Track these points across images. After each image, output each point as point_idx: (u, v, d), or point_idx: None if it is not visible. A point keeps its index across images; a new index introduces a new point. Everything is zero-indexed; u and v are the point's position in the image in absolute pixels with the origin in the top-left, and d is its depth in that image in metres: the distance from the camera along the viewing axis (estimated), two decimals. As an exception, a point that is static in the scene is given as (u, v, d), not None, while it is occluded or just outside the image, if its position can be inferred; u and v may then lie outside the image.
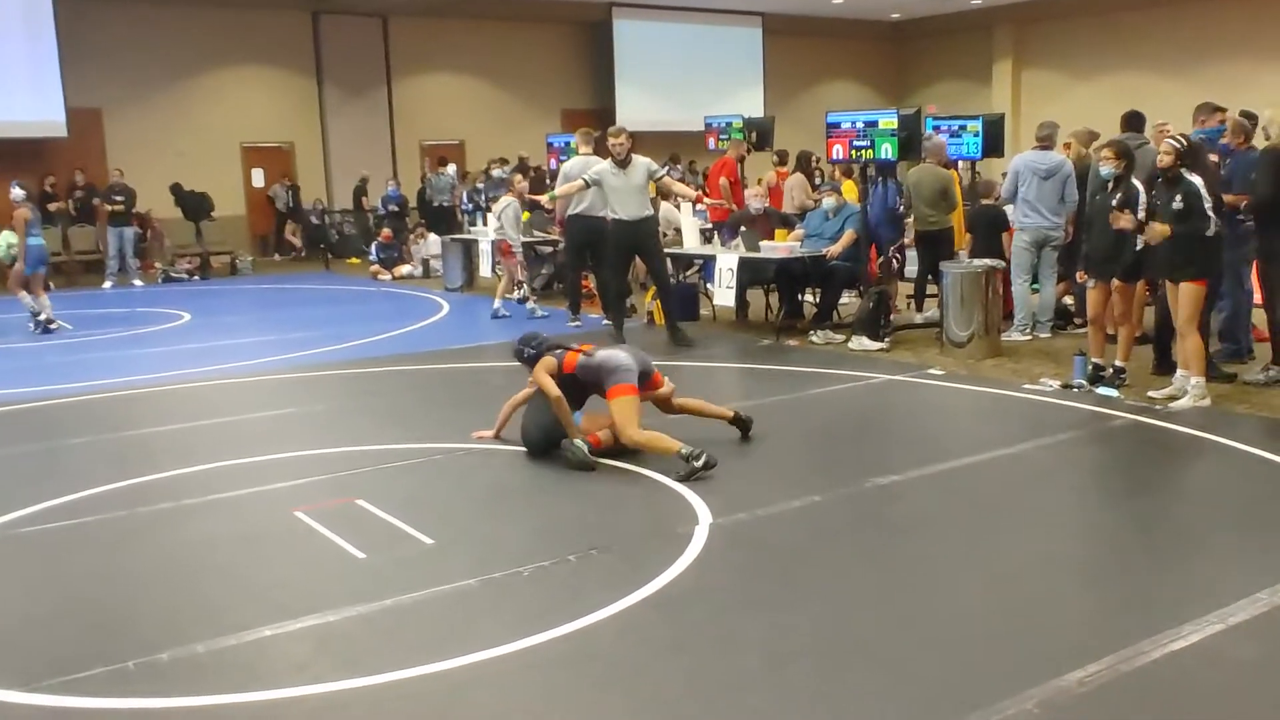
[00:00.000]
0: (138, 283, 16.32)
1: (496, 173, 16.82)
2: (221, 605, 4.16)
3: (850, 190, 10.76)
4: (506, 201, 12.05)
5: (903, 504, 5.24)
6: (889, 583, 4.27)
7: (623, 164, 9.47)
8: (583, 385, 6.11)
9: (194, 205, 18.05)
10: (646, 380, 6.17)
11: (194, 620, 4.01)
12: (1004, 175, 10.56)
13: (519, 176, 13.48)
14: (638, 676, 3.51)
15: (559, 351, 6.17)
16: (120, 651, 3.70)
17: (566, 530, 4.94)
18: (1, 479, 5.97)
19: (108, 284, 16.18)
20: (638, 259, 10.96)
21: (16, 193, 11.41)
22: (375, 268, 16.49)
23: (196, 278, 17.16)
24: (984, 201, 10.08)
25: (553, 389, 5.91)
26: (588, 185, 9.69)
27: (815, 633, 3.79)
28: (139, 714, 3.31)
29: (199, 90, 19.35)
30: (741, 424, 6.46)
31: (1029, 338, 9.31)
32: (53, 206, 17.15)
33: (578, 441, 5.85)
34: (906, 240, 10.45)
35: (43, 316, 11.38)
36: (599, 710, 3.32)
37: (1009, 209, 9.67)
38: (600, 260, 10.97)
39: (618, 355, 6.09)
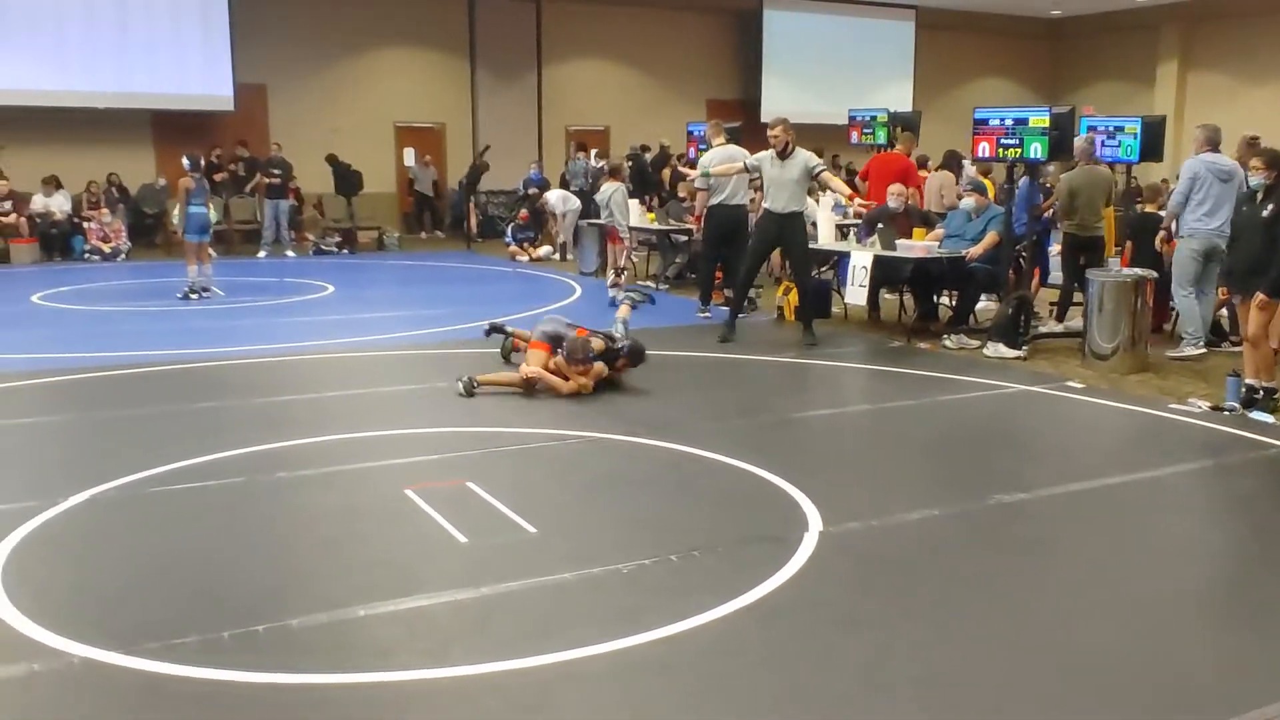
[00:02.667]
0: (290, 253, 16.93)
1: (578, 162, 16.95)
2: (321, 580, 4.22)
3: (990, 190, 10.35)
4: (613, 187, 12.00)
5: (1027, 524, 4.98)
6: (1002, 608, 4.04)
7: (782, 155, 9.36)
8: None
9: (347, 180, 18.58)
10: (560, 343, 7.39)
11: (292, 593, 4.07)
12: (1164, 180, 9.98)
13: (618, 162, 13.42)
14: (728, 691, 3.40)
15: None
16: (218, 620, 3.77)
17: (672, 527, 4.85)
18: (136, 438, 6.20)
19: (262, 253, 16.81)
20: (775, 254, 10.78)
21: (186, 163, 11.92)
22: (513, 249, 16.70)
23: (345, 251, 17.68)
24: (1147, 207, 9.55)
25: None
26: (748, 169, 9.70)
27: (918, 658, 3.61)
28: (226, 687, 3.35)
29: (357, 69, 19.91)
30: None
31: (1203, 351, 8.72)
32: (217, 177, 17.88)
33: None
34: (1054, 247, 10.00)
35: (194, 283, 11.85)
36: (695, 715, 3.22)
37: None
38: (736, 252, 10.85)
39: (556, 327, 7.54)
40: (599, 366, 7.32)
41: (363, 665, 3.51)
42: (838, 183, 10.06)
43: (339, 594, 4.03)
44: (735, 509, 5.16)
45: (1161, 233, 9.13)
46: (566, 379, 7.26)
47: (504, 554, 4.47)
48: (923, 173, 12.78)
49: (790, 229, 9.48)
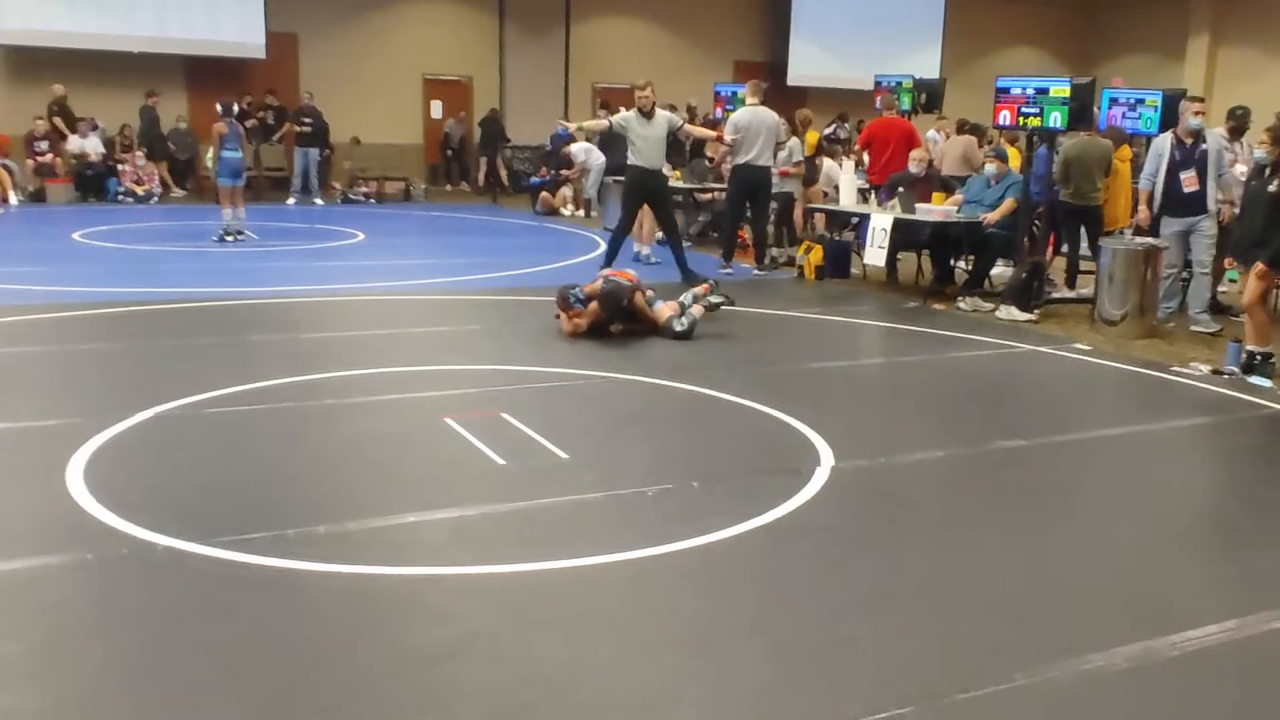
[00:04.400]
0: (319, 201, 17.27)
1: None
2: (374, 492, 4.59)
3: (1015, 158, 10.60)
4: None
5: (1026, 467, 5.32)
6: (1000, 536, 4.39)
7: (648, 114, 9.94)
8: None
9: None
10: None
11: (348, 501, 4.45)
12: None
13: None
14: (744, 593, 3.76)
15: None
16: (282, 521, 4.16)
17: (693, 458, 5.21)
18: (189, 366, 6.58)
19: (291, 200, 17.15)
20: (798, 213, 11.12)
21: (219, 109, 12.23)
22: (545, 196, 16.94)
23: (372, 201, 18.00)
24: None
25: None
26: (613, 126, 10.17)
27: (921, 578, 3.96)
28: (296, 574, 3.74)
29: (387, 20, 20.12)
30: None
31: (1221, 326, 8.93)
32: (247, 124, 18.14)
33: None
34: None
35: (229, 226, 12.19)
36: (704, 617, 3.58)
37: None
38: (759, 210, 11.18)
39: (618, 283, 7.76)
40: (591, 309, 7.68)
41: (417, 561, 3.89)
42: (700, 130, 11.09)
43: (393, 504, 4.40)
44: (752, 444, 5.52)
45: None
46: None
47: (539, 475, 4.83)
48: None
49: (659, 183, 10.25)
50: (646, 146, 9.98)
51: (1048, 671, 3.24)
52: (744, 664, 3.25)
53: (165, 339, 7.34)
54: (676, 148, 17.82)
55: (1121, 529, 4.55)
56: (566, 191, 17.20)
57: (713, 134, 11.30)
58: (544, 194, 17.05)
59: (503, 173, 19.61)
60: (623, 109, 19.55)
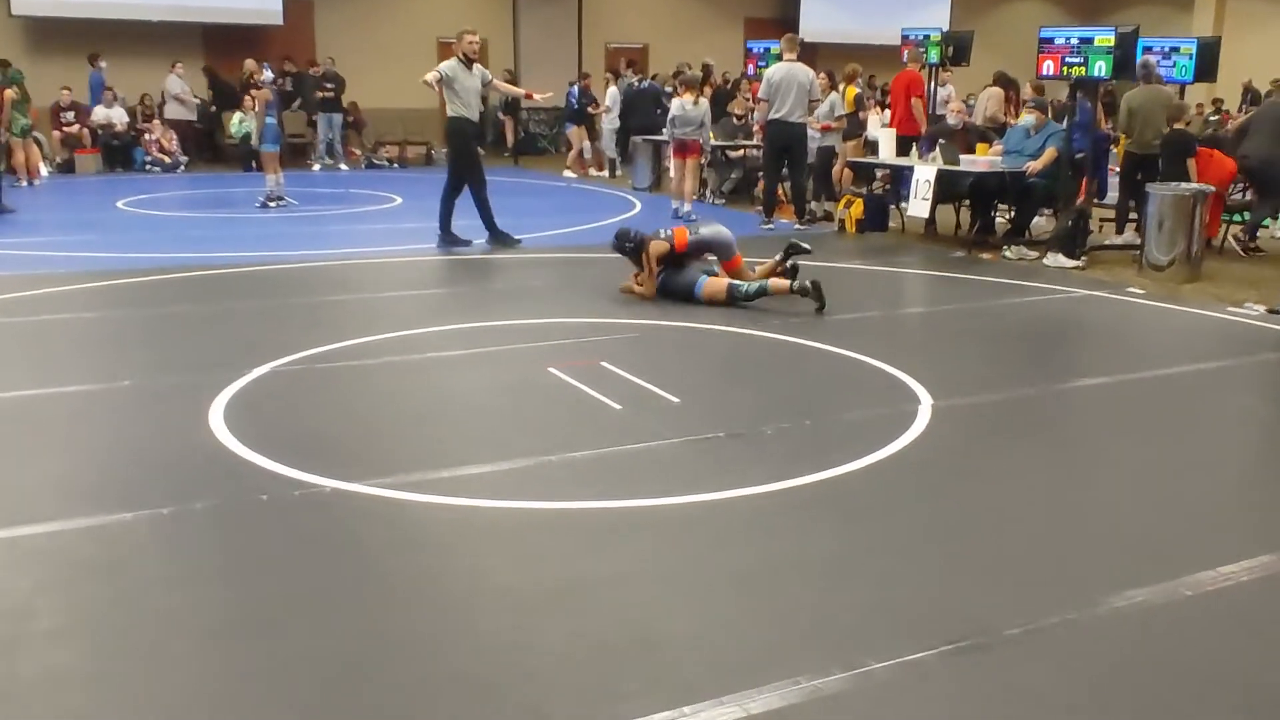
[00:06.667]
0: (343, 167, 17.36)
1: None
2: (510, 437, 4.80)
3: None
4: (697, 101, 12.24)
5: (1114, 402, 5.54)
6: (1107, 465, 4.62)
7: (469, 65, 9.89)
8: (688, 258, 7.65)
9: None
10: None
11: (489, 446, 4.66)
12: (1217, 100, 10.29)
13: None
14: (888, 517, 3.99)
15: (666, 233, 7.70)
16: (429, 463, 4.39)
17: (800, 400, 5.43)
18: (286, 325, 6.78)
19: (316, 166, 17.24)
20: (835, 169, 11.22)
21: (267, 75, 12.32)
22: (572, 160, 17.05)
23: (395, 166, 18.08)
24: (1176, 126, 9.94)
25: (659, 251, 7.57)
26: (443, 76, 9.78)
27: (1040, 499, 4.19)
28: (455, 510, 3.98)
29: (402, -17, 20.13)
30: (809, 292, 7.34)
31: None
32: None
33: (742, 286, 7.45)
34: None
35: (271, 192, 12.31)
36: (857, 538, 3.80)
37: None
38: (796, 164, 11.33)
39: (725, 231, 7.88)
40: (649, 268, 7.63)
41: (568, 497, 4.10)
42: (506, 86, 11.32)
43: (532, 446, 4.60)
44: (850, 386, 5.74)
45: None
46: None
47: (658, 417, 5.04)
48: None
49: (476, 137, 10.22)
50: (469, 96, 9.90)
51: (1137, 595, 3.46)
52: (877, 581, 3.48)
53: (243, 300, 7.52)
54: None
55: (1222, 455, 4.78)
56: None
57: (521, 90, 11.52)
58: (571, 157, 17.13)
59: (509, 136, 19.70)
60: (629, 70, 19.70)
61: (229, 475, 4.23)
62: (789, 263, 7.92)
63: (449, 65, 9.88)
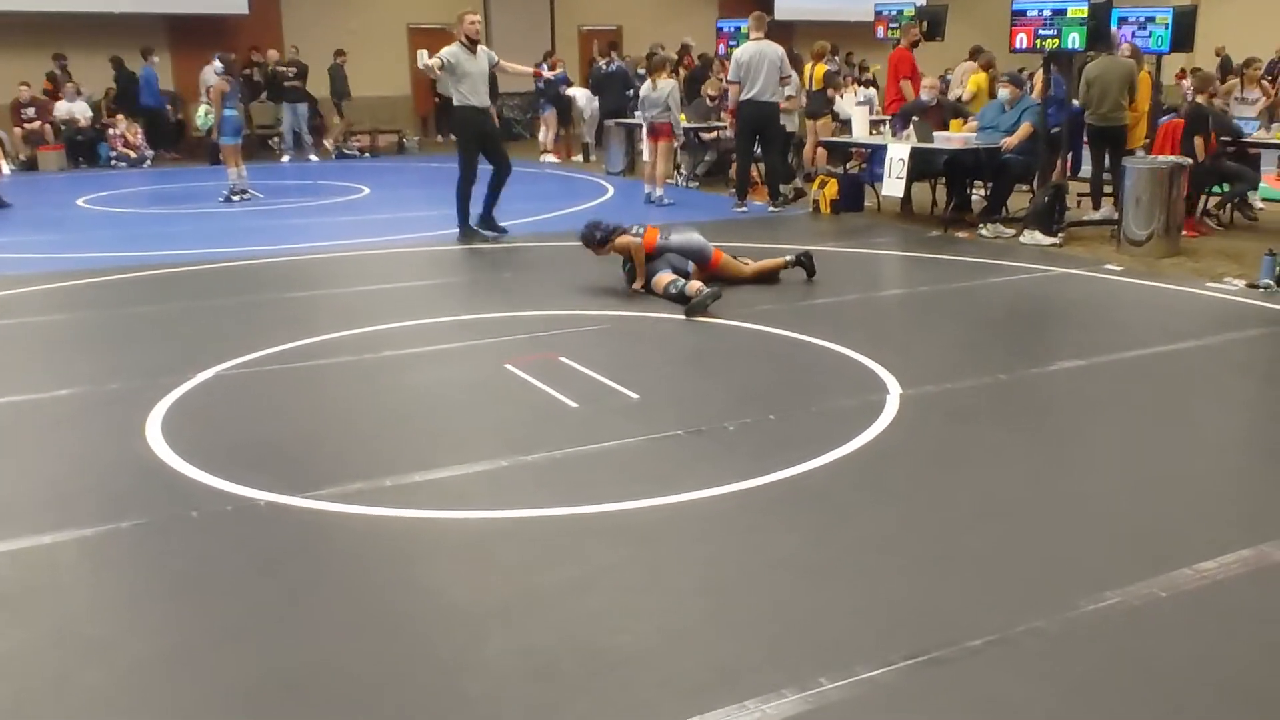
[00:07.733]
0: (313, 157, 17.07)
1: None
2: (461, 439, 4.62)
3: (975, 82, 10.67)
4: (670, 84, 12.05)
5: (1090, 385, 5.36)
6: (1088, 449, 4.45)
7: (472, 48, 9.30)
8: (656, 259, 7.28)
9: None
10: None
11: (440, 450, 4.46)
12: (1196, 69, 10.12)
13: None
14: (856, 516, 3.81)
15: (639, 230, 7.38)
16: (378, 470, 4.19)
17: (764, 392, 5.24)
18: (236, 325, 6.56)
19: (285, 158, 16.95)
20: (808, 149, 10.99)
21: (217, 65, 12.01)
22: (550, 144, 16.80)
23: (366, 155, 17.80)
24: (1198, 99, 9.72)
25: (636, 246, 7.22)
26: (444, 63, 9.23)
27: (1011, 493, 4.01)
28: (386, 522, 3.79)
29: (369, -30, 19.79)
30: (804, 265, 7.63)
31: None
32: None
33: (699, 288, 6.85)
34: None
35: (235, 186, 12.05)
36: (822, 541, 3.62)
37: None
38: (768, 146, 11.13)
39: (697, 237, 7.49)
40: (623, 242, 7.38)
41: (519, 504, 3.91)
42: (515, 66, 10.46)
43: (481, 450, 4.42)
44: (815, 376, 5.55)
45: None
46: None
47: (615, 416, 4.85)
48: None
49: (491, 122, 9.73)
50: (475, 82, 9.30)
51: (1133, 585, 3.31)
52: (842, 587, 3.30)
53: (202, 299, 7.30)
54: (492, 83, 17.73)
55: (1202, 441, 4.62)
56: (544, 136, 16.99)
57: (529, 70, 10.87)
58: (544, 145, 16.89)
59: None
60: (613, 54, 19.44)
61: (161, 490, 4.04)
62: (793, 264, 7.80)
63: (451, 51, 9.25)
